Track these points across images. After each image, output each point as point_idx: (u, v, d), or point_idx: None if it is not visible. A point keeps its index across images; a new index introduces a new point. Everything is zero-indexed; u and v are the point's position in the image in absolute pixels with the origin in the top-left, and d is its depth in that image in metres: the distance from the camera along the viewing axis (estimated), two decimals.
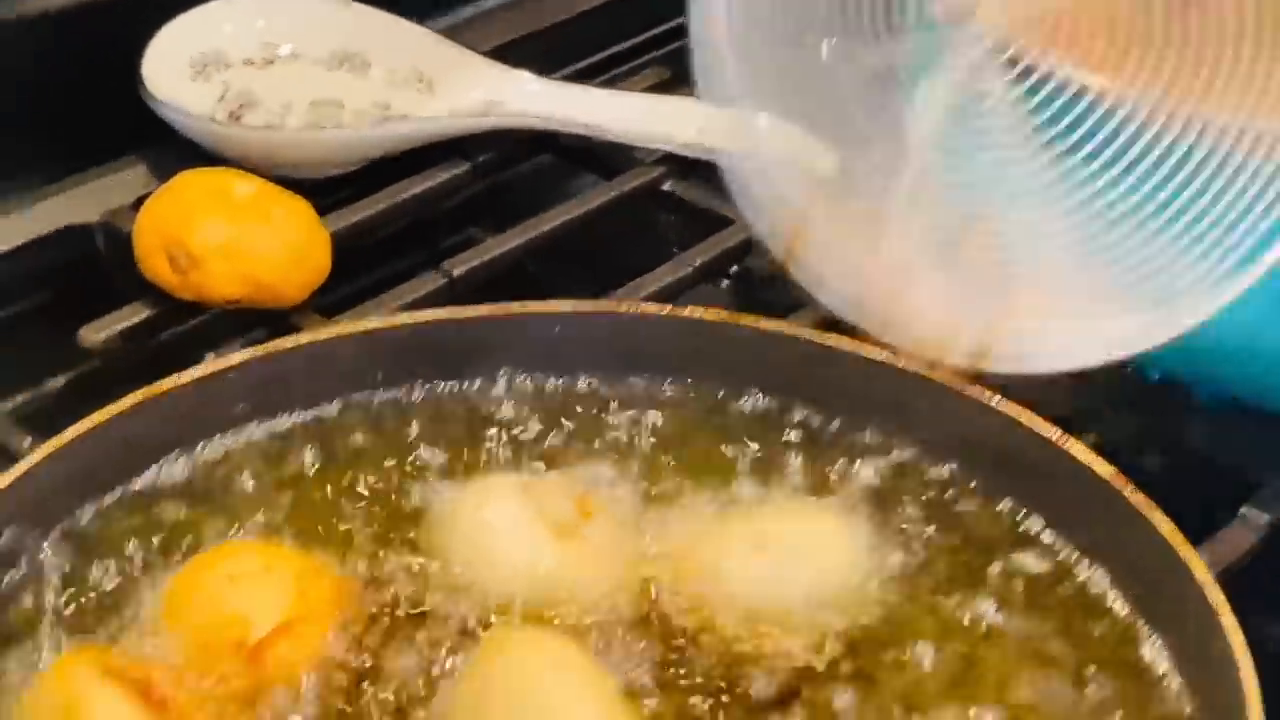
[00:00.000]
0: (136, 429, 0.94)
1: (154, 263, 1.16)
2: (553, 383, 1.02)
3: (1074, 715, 0.83)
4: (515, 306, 1.00)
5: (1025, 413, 0.90)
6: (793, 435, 0.97)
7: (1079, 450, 0.89)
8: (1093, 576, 0.89)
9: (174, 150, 1.26)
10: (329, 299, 1.17)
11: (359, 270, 1.22)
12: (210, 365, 0.96)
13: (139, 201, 1.20)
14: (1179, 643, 0.84)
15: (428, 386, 1.02)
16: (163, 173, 1.21)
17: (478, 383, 1.02)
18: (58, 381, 1.22)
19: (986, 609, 0.88)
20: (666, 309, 1.02)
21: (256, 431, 0.99)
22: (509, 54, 1.35)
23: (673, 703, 0.83)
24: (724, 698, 0.83)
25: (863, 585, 0.89)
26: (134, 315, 1.15)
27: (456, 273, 1.19)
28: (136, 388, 0.94)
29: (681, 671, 0.84)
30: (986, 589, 0.89)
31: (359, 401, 1.01)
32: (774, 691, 0.83)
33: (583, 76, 1.37)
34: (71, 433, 0.91)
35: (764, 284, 1.21)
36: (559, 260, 1.20)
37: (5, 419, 1.09)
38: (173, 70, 1.30)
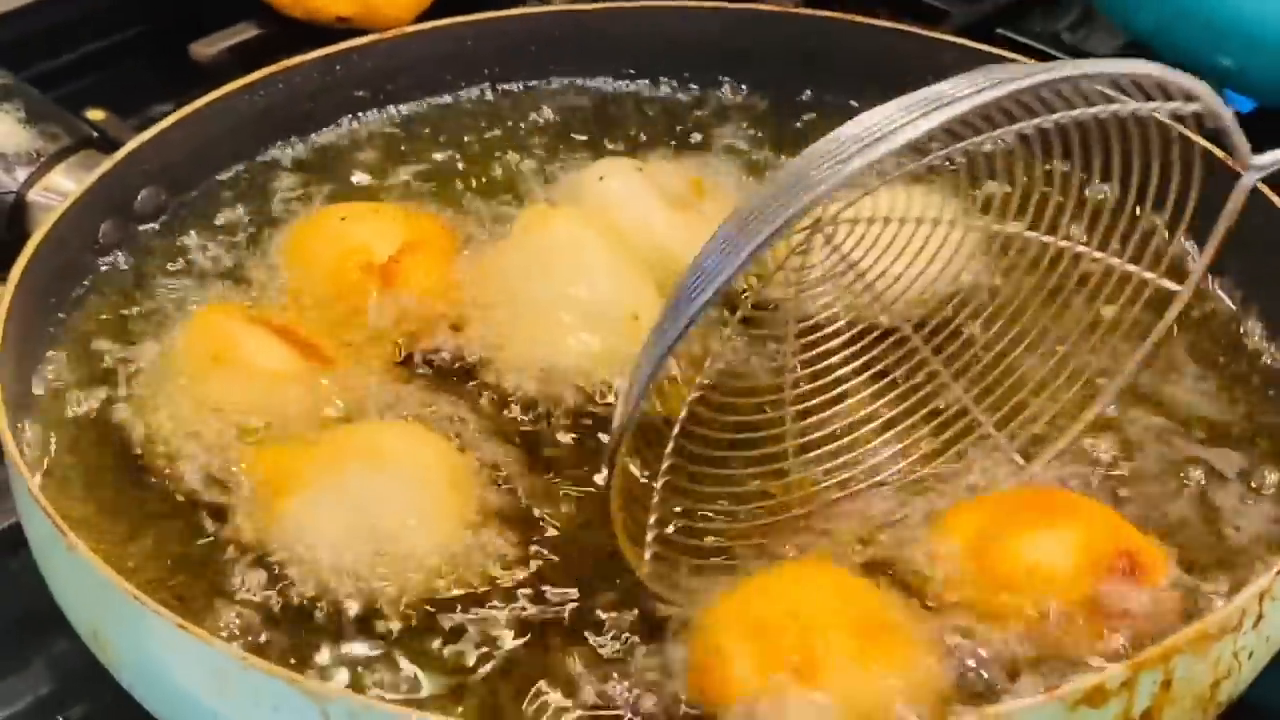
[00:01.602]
0: (262, 105, 0.97)
1: None
2: (672, 82, 1.05)
3: None
4: (636, 4, 1.03)
5: None
6: None
7: None
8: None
9: None
10: None
11: (464, 4, 1.23)
12: (332, 48, 0.98)
13: None
14: None
15: (546, 81, 1.05)
16: None
17: (594, 80, 1.05)
18: (167, 107, 1.23)
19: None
20: (788, 7, 1.04)
21: (377, 115, 1.01)
22: None
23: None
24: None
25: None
26: (244, 32, 1.17)
27: (556, 3, 1.20)
28: None
29: None
30: None
31: (479, 94, 1.04)
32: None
33: None
34: (202, 101, 0.94)
35: None
36: None
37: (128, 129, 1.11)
38: None
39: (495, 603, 0.75)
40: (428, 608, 0.75)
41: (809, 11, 1.05)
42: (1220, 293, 0.91)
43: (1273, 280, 0.89)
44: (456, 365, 0.86)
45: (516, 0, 1.21)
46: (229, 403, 0.81)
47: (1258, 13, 1.06)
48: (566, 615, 0.75)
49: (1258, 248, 0.86)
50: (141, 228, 0.93)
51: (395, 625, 0.74)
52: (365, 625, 0.74)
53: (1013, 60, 0.95)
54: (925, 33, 1.04)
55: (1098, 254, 0.80)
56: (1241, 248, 0.83)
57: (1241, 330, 0.89)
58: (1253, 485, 0.81)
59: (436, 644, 0.74)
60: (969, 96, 0.65)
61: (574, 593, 0.75)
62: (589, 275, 0.86)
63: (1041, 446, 0.81)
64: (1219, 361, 0.88)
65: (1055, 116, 0.70)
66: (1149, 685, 0.67)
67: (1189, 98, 0.69)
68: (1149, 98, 0.70)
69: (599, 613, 0.75)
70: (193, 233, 0.94)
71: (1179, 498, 0.81)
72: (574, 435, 0.83)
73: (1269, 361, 0.88)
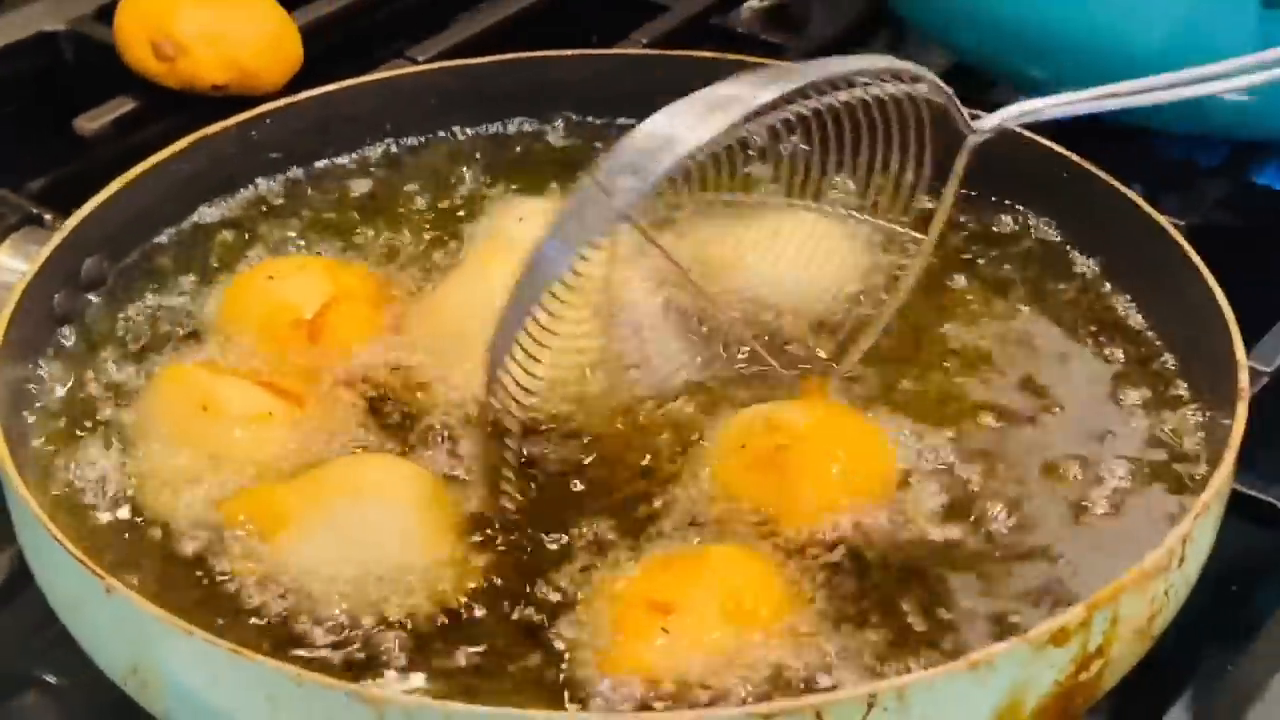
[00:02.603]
0: (188, 171, 1.02)
1: (139, 53, 1.22)
2: (569, 124, 1.14)
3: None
4: (538, 54, 1.12)
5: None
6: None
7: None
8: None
9: None
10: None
11: (329, 65, 1.28)
12: (252, 111, 1.04)
13: (100, 11, 1.26)
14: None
15: (449, 133, 1.12)
16: None
17: (494, 128, 1.13)
18: (41, 181, 1.26)
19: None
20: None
21: (293, 174, 1.07)
22: None
23: None
24: None
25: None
26: (123, 105, 1.21)
27: (421, 58, 1.26)
28: None
29: None
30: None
31: (384, 150, 1.11)
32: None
33: None
34: (138, 170, 0.99)
35: None
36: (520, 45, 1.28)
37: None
38: None
39: (482, 613, 0.81)
40: (427, 624, 0.80)
41: (682, 53, 1.14)
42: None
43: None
44: (410, 399, 0.91)
45: (378, 61, 1.27)
46: (224, 449, 0.86)
47: (1065, 27, 1.17)
48: (549, 617, 0.80)
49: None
50: (88, 296, 0.97)
51: (399, 644, 0.79)
52: (371, 647, 0.79)
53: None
54: (779, 64, 1.13)
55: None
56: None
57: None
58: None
59: (439, 658, 0.79)
60: (764, 90, 0.76)
61: (551, 591, 0.82)
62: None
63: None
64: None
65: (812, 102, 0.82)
66: (1101, 623, 0.76)
67: (916, 79, 0.82)
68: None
69: (580, 611, 0.81)
70: (137, 297, 0.98)
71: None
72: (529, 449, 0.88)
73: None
